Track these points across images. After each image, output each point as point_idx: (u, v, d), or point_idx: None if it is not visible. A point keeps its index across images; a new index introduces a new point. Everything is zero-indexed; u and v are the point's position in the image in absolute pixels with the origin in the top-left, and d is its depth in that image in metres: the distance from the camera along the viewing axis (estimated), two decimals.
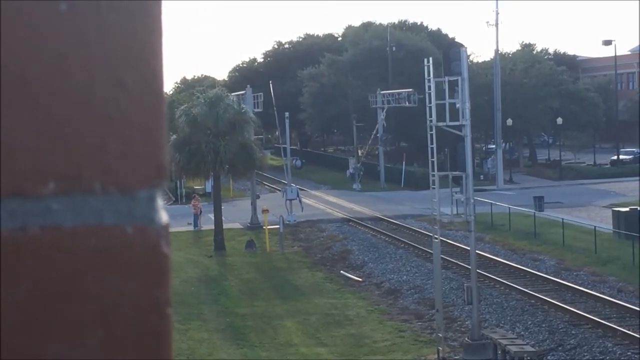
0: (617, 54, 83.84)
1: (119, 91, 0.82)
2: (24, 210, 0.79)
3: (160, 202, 0.84)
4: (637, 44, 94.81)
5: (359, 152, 75.69)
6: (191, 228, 50.35)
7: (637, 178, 61.85)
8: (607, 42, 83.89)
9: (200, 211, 50.83)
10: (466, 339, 26.44)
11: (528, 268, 34.82)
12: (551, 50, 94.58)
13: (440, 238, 28.45)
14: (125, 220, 0.82)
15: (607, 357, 24.25)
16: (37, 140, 0.80)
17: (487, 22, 72.28)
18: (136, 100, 0.82)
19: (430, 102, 26.85)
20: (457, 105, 26.63)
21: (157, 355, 0.82)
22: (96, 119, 0.82)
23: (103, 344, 0.81)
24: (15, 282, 0.79)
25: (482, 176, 68.80)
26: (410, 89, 66.12)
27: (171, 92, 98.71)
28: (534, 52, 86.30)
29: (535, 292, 30.65)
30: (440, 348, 25.81)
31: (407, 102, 67.16)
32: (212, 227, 45.25)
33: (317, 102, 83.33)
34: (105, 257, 0.81)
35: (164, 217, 0.84)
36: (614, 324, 26.36)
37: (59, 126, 0.81)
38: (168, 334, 0.83)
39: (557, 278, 32.81)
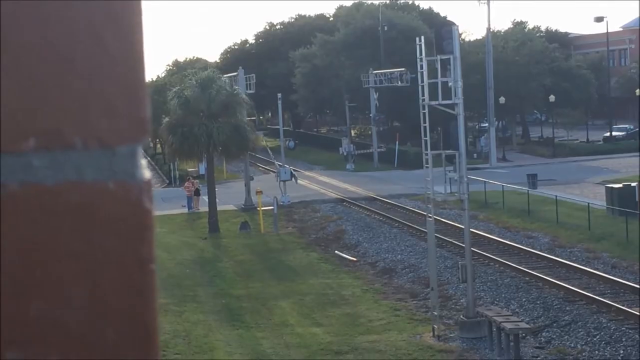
0: (609, 31, 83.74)
1: (99, 46, 0.81)
2: (5, 166, 0.79)
3: (141, 157, 0.84)
4: (631, 20, 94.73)
5: (352, 132, 75.62)
6: (185, 210, 50.35)
7: (631, 155, 61.97)
8: (599, 19, 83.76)
9: (198, 191, 50.64)
10: (461, 316, 26.52)
11: (522, 245, 34.89)
12: (543, 28, 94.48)
13: (434, 217, 28.48)
14: (107, 175, 0.81)
15: (602, 333, 24.35)
16: (17, 97, 0.79)
17: (479, 0, 71.94)
18: (116, 55, 0.82)
19: (422, 81, 26.79)
20: (450, 84, 26.58)
21: (141, 311, 0.82)
22: (76, 75, 0.81)
23: (87, 300, 0.81)
24: None
25: (475, 154, 68.87)
26: (403, 69, 66.11)
27: (163, 75, 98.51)
28: (526, 29, 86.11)
29: (529, 269, 30.73)
30: (435, 326, 25.90)
31: (399, 82, 67.17)
32: (207, 209, 45.27)
33: (310, 82, 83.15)
34: (87, 213, 0.80)
35: (145, 172, 0.83)
36: (608, 300, 26.45)
37: (39, 82, 0.80)
38: (152, 290, 0.83)
39: (551, 255, 32.89)
